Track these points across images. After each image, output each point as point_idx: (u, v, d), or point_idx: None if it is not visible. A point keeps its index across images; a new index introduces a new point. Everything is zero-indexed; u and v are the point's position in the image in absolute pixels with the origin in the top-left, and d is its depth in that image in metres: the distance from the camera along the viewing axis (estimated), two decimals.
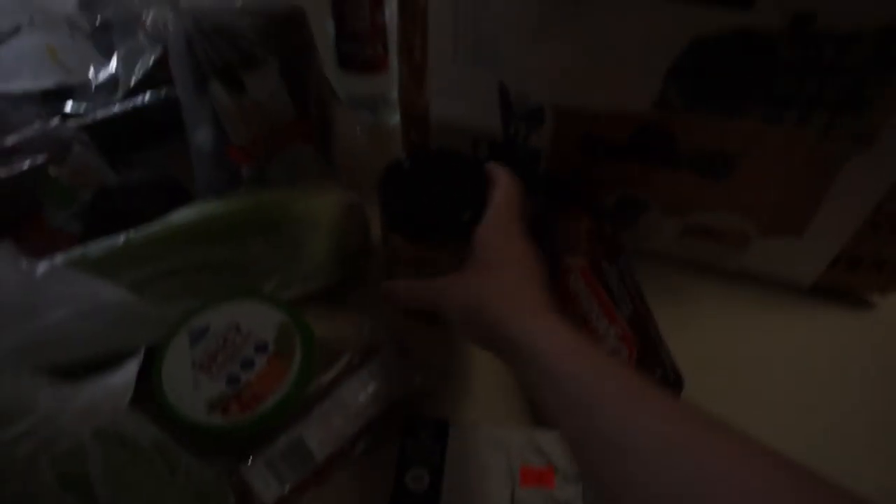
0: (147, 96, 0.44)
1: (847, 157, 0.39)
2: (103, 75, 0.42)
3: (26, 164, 0.43)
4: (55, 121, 0.45)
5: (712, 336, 0.45)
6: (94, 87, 0.42)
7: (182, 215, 0.42)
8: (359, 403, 0.37)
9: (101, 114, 0.42)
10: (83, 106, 0.42)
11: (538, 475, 0.36)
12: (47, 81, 0.43)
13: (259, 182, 0.46)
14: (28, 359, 0.31)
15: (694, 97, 0.38)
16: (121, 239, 0.39)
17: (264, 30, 0.42)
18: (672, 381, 0.38)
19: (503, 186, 0.37)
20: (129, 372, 0.29)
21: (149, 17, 0.37)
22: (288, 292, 0.41)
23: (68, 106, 0.43)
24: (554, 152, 0.44)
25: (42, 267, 0.32)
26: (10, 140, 0.43)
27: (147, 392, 0.34)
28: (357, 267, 0.46)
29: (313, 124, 0.48)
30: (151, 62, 0.40)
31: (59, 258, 0.37)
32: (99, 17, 0.40)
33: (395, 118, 0.55)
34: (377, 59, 0.55)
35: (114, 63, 0.41)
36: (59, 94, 0.44)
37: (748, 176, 0.42)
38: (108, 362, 0.31)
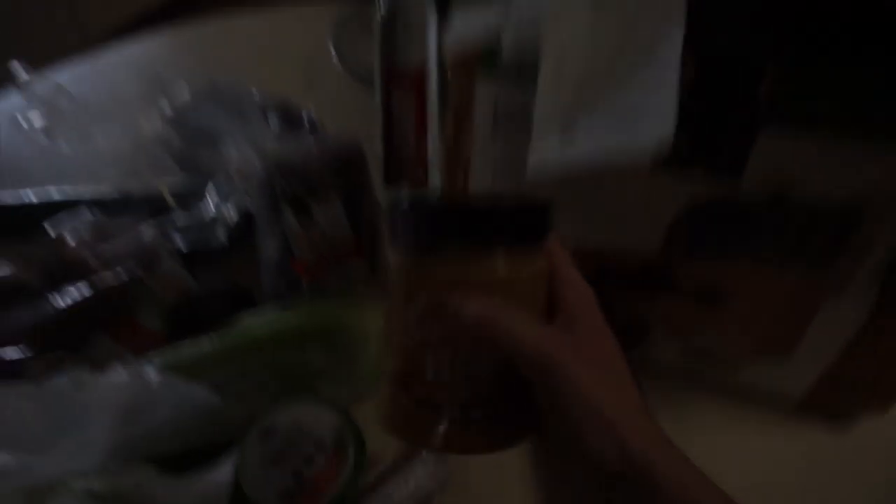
0: (229, 216, 0.52)
1: (824, 298, 0.46)
2: (200, 203, 0.51)
3: (122, 271, 0.51)
4: (150, 234, 0.52)
5: (708, 445, 0.50)
6: (192, 214, 0.51)
7: (252, 324, 0.49)
8: (401, 496, 0.43)
9: (199, 241, 0.50)
10: (177, 223, 0.50)
11: None
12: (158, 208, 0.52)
13: (316, 291, 0.54)
14: (141, 450, 0.37)
15: (692, 245, 0.45)
16: (205, 346, 0.46)
17: (331, 168, 0.50)
18: None
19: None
20: (226, 471, 0.35)
21: (241, 160, 0.45)
22: (342, 395, 0.48)
23: (166, 224, 0.52)
24: None
25: (155, 376, 0.39)
26: (114, 250, 0.51)
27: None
28: None
29: (365, 242, 0.55)
30: (240, 200, 0.48)
31: (157, 360, 0.45)
32: (201, 157, 0.48)
33: None
34: (418, 179, 0.63)
35: (211, 198, 0.49)
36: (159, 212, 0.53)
37: (740, 306, 0.48)
38: (191, 453, 0.38)
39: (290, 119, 0.69)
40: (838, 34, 0.34)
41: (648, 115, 0.31)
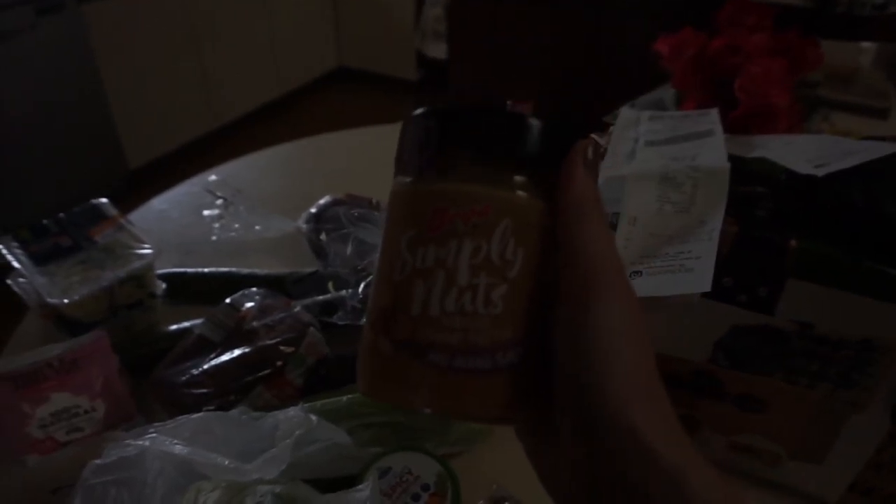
0: (354, 299, 0.67)
1: (848, 416, 0.55)
2: (351, 294, 0.67)
3: (281, 339, 0.66)
4: (300, 309, 0.68)
5: None
6: (344, 300, 0.67)
7: None
8: None
9: (347, 317, 0.65)
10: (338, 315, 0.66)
11: None
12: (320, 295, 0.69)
13: None
14: (301, 471, 0.50)
15: (734, 360, 0.56)
16: (344, 399, 0.60)
17: None
18: None
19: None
20: (366, 491, 0.48)
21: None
22: (442, 450, 0.60)
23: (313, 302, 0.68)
24: None
25: (314, 417, 0.53)
26: (275, 321, 0.67)
27: None
28: (488, 435, 0.65)
29: None
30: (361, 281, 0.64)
31: (308, 406, 0.59)
32: (359, 266, 0.65)
33: None
34: None
35: (361, 289, 0.65)
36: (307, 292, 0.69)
37: (776, 414, 0.58)
38: (326, 481, 0.51)
39: None
40: (848, 230, 0.47)
41: (693, 274, 0.43)
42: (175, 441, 0.46)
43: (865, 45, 1.34)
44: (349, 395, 0.61)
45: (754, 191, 0.53)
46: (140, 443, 0.46)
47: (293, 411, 0.52)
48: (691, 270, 0.43)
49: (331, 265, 0.76)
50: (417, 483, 0.56)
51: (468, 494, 0.57)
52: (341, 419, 0.59)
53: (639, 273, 0.46)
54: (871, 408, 0.54)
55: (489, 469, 0.62)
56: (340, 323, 0.63)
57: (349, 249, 0.71)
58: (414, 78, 3.68)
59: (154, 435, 0.47)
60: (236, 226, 0.86)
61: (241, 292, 0.70)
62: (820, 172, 0.47)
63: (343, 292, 0.69)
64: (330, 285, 0.68)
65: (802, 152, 0.50)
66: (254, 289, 0.70)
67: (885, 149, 0.48)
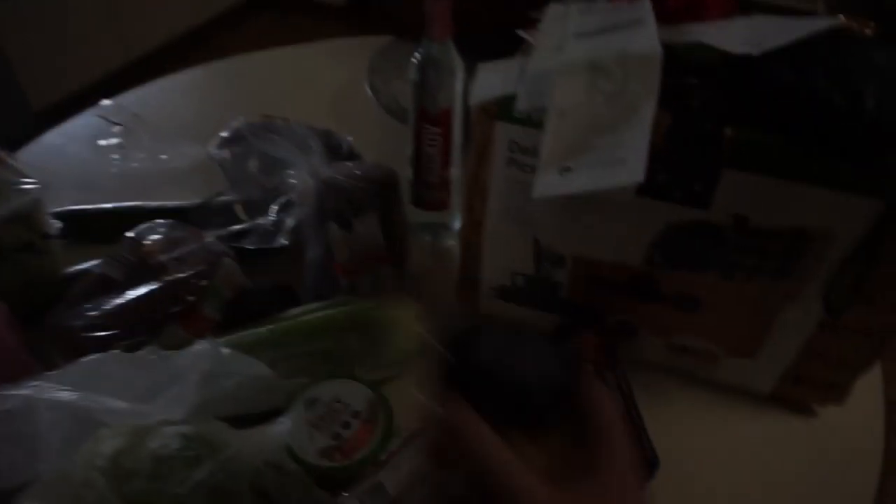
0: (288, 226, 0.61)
1: (781, 307, 0.54)
2: (263, 215, 0.61)
3: (192, 272, 0.60)
4: (214, 241, 0.62)
5: (688, 429, 0.59)
6: (258, 224, 0.61)
7: (300, 315, 0.58)
8: (419, 461, 0.52)
9: (261, 241, 0.60)
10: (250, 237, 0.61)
11: None
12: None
13: (352, 291, 0.63)
14: (213, 411, 0.46)
15: (671, 260, 0.54)
16: (263, 330, 0.56)
17: (370, 188, 0.60)
18: (651, 460, 0.52)
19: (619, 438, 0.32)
20: (285, 424, 0.44)
21: (301, 183, 0.55)
22: (373, 375, 0.57)
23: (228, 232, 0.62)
24: (571, 285, 0.60)
25: (226, 350, 0.48)
26: (184, 254, 0.61)
27: None
28: (420, 357, 0.62)
29: (394, 250, 0.65)
30: (297, 213, 0.58)
31: (223, 340, 0.54)
32: (268, 185, 0.59)
33: (450, 241, 0.73)
34: (441, 201, 0.73)
35: (274, 209, 0.60)
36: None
37: (712, 312, 0.57)
38: (248, 418, 0.47)
39: (331, 147, 0.79)
40: (782, 114, 0.44)
41: (626, 160, 0.40)
42: (63, 388, 0.41)
43: None
44: (271, 326, 0.57)
45: (688, 81, 0.50)
46: (22, 392, 0.41)
47: (200, 345, 0.48)
48: (623, 161, 0.40)
49: (237, 188, 0.70)
50: (347, 411, 0.53)
51: (403, 418, 0.54)
52: (262, 351, 0.55)
53: (568, 169, 0.42)
54: (804, 298, 0.53)
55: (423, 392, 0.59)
56: (250, 248, 0.58)
57: (254, 166, 0.65)
58: (342, 3, 3.47)
59: (38, 384, 0.42)
60: (141, 156, 0.78)
61: (144, 225, 0.64)
62: (756, 51, 0.43)
63: (273, 220, 0.64)
64: (238, 209, 0.62)
65: (738, 34, 0.46)
66: (159, 220, 0.64)
67: (821, 24, 0.45)
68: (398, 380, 0.61)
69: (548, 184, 0.42)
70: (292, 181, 0.56)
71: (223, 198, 0.66)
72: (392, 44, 1.03)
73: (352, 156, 0.77)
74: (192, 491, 0.37)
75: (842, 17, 0.48)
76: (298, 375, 0.55)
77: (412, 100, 0.66)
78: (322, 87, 1.07)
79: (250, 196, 0.63)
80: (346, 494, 0.49)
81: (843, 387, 0.59)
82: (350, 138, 0.80)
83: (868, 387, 0.62)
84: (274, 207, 0.59)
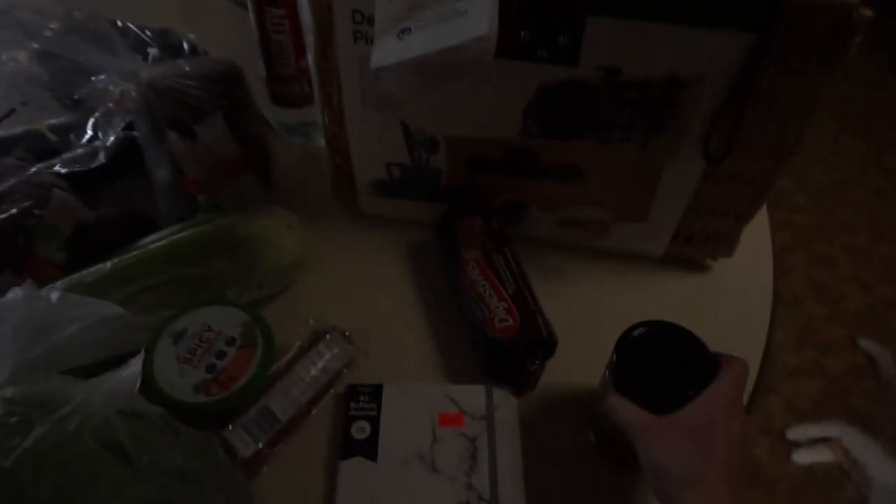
0: (105, 139, 0.53)
1: (663, 165, 0.52)
2: (80, 134, 0.52)
3: (15, 210, 0.52)
4: (38, 170, 0.53)
5: (585, 302, 0.58)
6: (74, 144, 0.52)
7: (154, 242, 0.52)
8: (311, 376, 0.49)
9: (77, 162, 0.51)
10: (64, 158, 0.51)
11: (451, 418, 0.48)
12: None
13: (213, 208, 0.57)
14: (52, 365, 0.40)
15: (546, 127, 0.50)
16: (108, 265, 0.49)
17: (208, 87, 0.52)
18: (547, 340, 0.51)
19: (738, 368, 0.41)
20: (135, 365, 0.39)
21: (117, 91, 0.46)
22: (248, 296, 0.52)
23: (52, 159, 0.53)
24: (449, 169, 0.56)
25: (55, 293, 0.42)
26: (3, 190, 0.52)
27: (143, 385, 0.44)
28: (299, 270, 0.57)
29: (254, 157, 0.58)
30: (120, 124, 0.50)
31: (61, 283, 0.47)
32: (74, 95, 0.49)
33: (322, 140, 0.67)
34: (303, 95, 0.65)
35: (90, 124, 0.50)
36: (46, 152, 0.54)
37: (596, 180, 0.55)
38: (110, 364, 0.42)
39: (170, 47, 0.69)
40: None
41: (467, 17, 0.34)
42: None
43: None
44: (116, 259, 0.50)
45: None
46: None
47: (14, 293, 0.41)
48: (465, 13, 0.35)
49: (77, 109, 0.59)
50: (221, 338, 0.48)
51: (284, 338, 0.50)
52: (111, 288, 0.48)
53: (408, 30, 0.36)
54: (684, 152, 0.51)
55: (305, 306, 0.55)
56: (64, 171, 0.50)
57: (94, 87, 0.55)
58: None
59: None
60: None
61: None
62: None
63: (91, 137, 0.54)
64: (44, 130, 0.53)
65: None
66: None
67: None
68: (278, 297, 0.56)
69: (386, 50, 0.37)
70: (107, 88, 0.47)
71: (43, 122, 0.56)
72: None
73: (194, 54, 0.67)
74: (17, 462, 0.32)
75: None
76: (164, 308, 0.50)
77: None
78: None
79: (66, 114, 0.53)
80: (231, 427, 0.46)
81: (731, 238, 0.58)
82: (192, 36, 0.70)
83: (756, 236, 0.63)
84: (90, 122, 0.50)
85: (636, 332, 0.44)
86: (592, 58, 0.45)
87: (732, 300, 0.60)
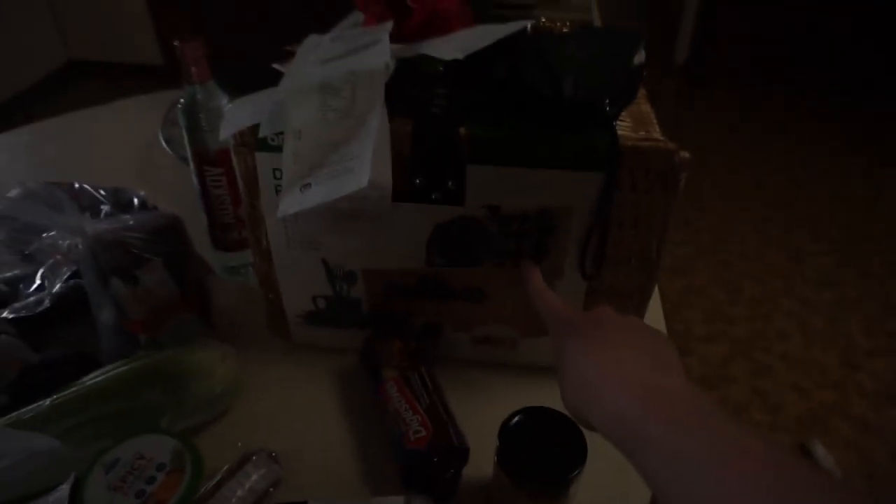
0: (58, 291, 0.59)
1: (550, 282, 0.60)
2: (29, 284, 0.58)
3: None
4: None
5: (503, 411, 0.63)
6: (23, 293, 0.57)
7: (93, 378, 0.56)
8: (238, 496, 0.51)
9: (24, 309, 0.57)
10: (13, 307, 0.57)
11: None
12: None
13: (154, 345, 0.62)
14: None
15: (447, 258, 0.58)
16: (46, 402, 0.53)
17: (150, 238, 0.59)
18: (458, 448, 0.55)
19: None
20: (63, 492, 0.42)
21: (64, 244, 0.53)
22: (182, 424, 0.56)
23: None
24: (368, 298, 0.63)
25: None
26: None
27: None
28: (233, 398, 0.61)
29: (193, 297, 0.64)
30: (66, 273, 0.56)
31: (4, 419, 0.51)
32: (25, 251, 0.56)
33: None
34: (240, 240, 0.73)
35: (39, 274, 0.56)
36: None
37: (498, 300, 0.62)
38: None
39: (121, 204, 0.77)
40: (503, 106, 0.50)
41: (354, 174, 0.43)
42: None
43: None
44: (55, 395, 0.54)
45: (429, 91, 0.54)
46: None
47: None
48: (352, 171, 0.43)
49: (29, 263, 0.66)
50: (152, 465, 0.51)
51: (215, 462, 0.53)
52: (49, 423, 0.52)
53: (308, 185, 0.45)
54: (568, 271, 0.59)
55: (236, 431, 0.59)
56: (11, 316, 0.55)
57: (44, 242, 0.62)
58: (160, 62, 3.37)
59: None
60: None
61: None
62: (461, 55, 0.49)
63: (39, 285, 0.60)
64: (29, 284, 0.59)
65: (454, 43, 0.52)
66: None
67: (521, 25, 0.51)
68: (213, 424, 0.60)
69: (290, 202, 0.45)
70: (54, 243, 0.54)
71: None
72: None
73: (144, 209, 0.75)
74: None
75: (542, 19, 0.55)
76: (99, 440, 0.53)
77: (188, 144, 0.66)
78: (120, 145, 1.04)
79: (19, 268, 0.60)
80: None
81: None
82: (142, 193, 0.78)
83: None
84: (42, 272, 0.56)
85: (515, 419, 0.51)
86: (476, 197, 0.54)
87: None
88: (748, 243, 2.30)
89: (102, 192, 0.77)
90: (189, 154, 0.67)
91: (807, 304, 2.03)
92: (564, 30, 0.56)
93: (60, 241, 0.54)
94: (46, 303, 0.55)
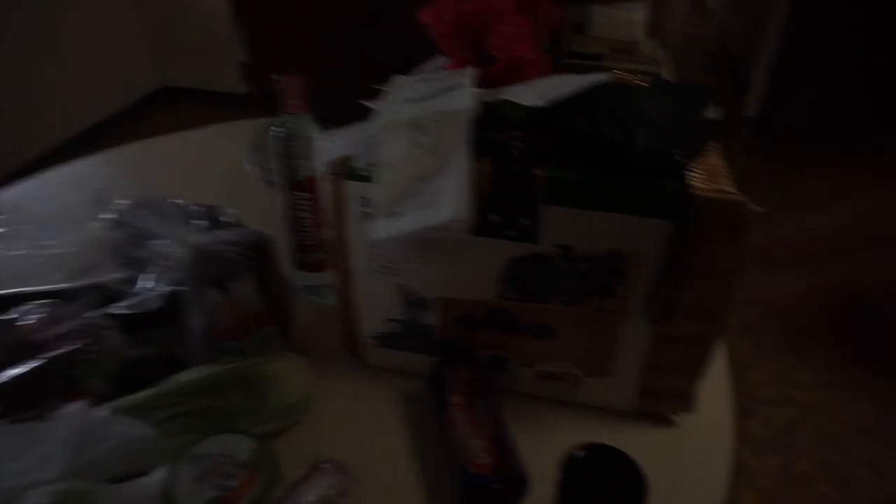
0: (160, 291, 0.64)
1: (617, 324, 0.62)
2: (133, 285, 0.64)
3: (71, 347, 0.62)
4: (94, 316, 0.65)
5: (561, 447, 0.64)
6: (127, 293, 0.64)
7: (185, 376, 0.61)
8: (306, 502, 0.55)
9: (130, 308, 0.63)
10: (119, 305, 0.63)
11: None
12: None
13: (238, 352, 0.66)
14: (93, 473, 0.48)
15: (518, 292, 0.61)
16: (146, 394, 0.58)
17: (242, 253, 0.64)
18: (519, 477, 0.57)
19: None
20: (157, 479, 0.47)
21: (170, 253, 0.59)
22: (259, 428, 0.60)
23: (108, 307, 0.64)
24: (439, 326, 0.66)
25: (103, 412, 0.50)
26: (63, 331, 0.63)
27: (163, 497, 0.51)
28: (305, 409, 0.65)
29: (276, 311, 0.69)
30: (167, 278, 0.62)
31: (107, 406, 0.56)
32: (133, 255, 0.63)
33: (335, 300, 0.78)
34: (321, 262, 0.78)
35: (144, 277, 0.63)
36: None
37: (565, 337, 0.64)
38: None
39: (215, 220, 0.83)
40: (580, 153, 0.53)
41: (443, 202, 0.47)
42: None
43: (636, 18, 1.50)
44: (153, 389, 0.59)
45: (508, 134, 0.58)
46: None
47: (69, 407, 0.50)
48: (440, 203, 0.47)
49: (117, 265, 0.72)
50: (232, 463, 0.55)
51: (287, 468, 0.57)
52: (147, 414, 0.57)
53: (397, 214, 0.48)
54: (632, 314, 0.60)
55: (307, 441, 0.63)
56: (130, 317, 0.61)
57: (126, 241, 0.68)
58: (243, 90, 3.57)
59: None
60: (23, 244, 0.79)
61: (25, 306, 0.66)
62: (543, 102, 0.52)
63: (146, 288, 0.66)
64: (117, 284, 0.65)
65: (535, 90, 0.55)
66: (36, 302, 0.66)
67: (598, 78, 0.55)
68: (286, 431, 0.64)
69: (384, 228, 0.49)
70: (163, 251, 0.59)
71: (109, 276, 0.68)
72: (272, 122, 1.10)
73: (235, 226, 0.81)
74: None
75: (617, 73, 0.58)
76: (187, 433, 0.58)
77: (280, 171, 0.71)
78: (210, 167, 1.12)
79: (129, 271, 0.66)
80: None
81: (688, 394, 0.66)
82: (234, 211, 0.84)
83: (717, 393, 0.70)
84: (150, 276, 0.62)
85: (579, 454, 0.52)
86: (549, 237, 0.57)
87: (694, 455, 0.65)
88: None
89: (196, 208, 0.83)
90: (277, 178, 0.73)
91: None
92: (638, 82, 0.59)
93: (166, 249, 0.59)
94: (150, 305, 0.60)
